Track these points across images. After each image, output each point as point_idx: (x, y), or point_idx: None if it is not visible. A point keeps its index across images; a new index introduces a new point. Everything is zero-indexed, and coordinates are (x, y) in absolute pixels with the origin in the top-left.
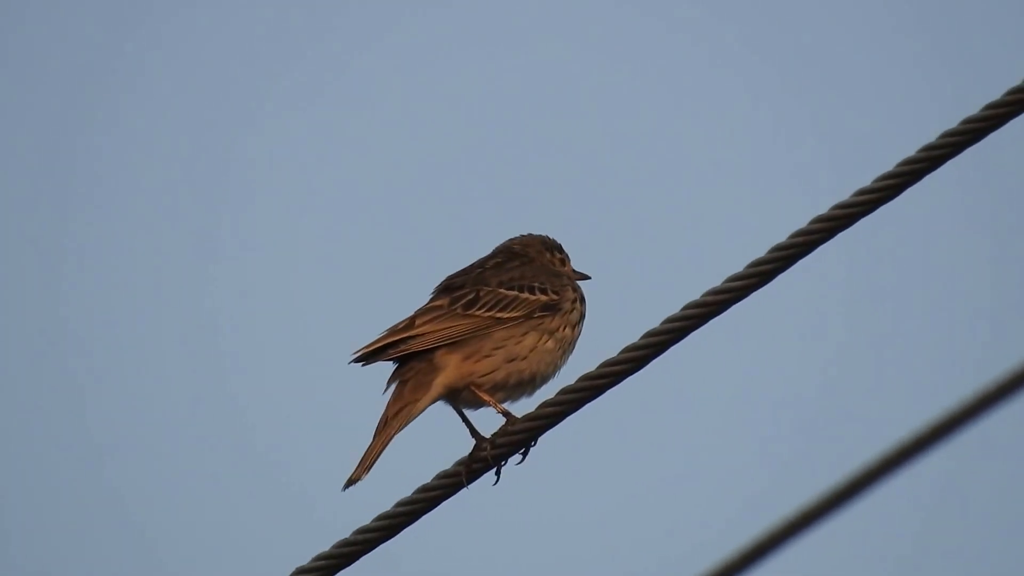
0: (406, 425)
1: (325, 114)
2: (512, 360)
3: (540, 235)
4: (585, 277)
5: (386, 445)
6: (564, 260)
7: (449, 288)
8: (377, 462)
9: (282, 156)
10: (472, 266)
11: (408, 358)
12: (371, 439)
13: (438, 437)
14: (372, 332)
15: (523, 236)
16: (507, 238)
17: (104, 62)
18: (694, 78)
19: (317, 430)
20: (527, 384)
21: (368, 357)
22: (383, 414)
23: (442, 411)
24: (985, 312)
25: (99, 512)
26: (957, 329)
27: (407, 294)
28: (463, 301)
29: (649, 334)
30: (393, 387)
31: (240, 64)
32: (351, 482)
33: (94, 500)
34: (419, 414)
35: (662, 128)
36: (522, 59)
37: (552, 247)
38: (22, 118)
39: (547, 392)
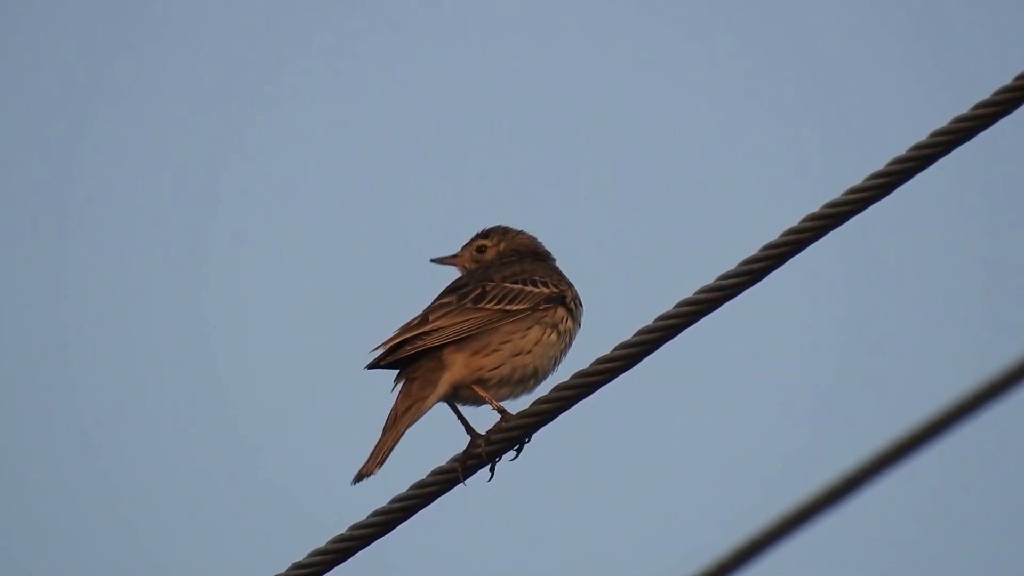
0: (415, 421)
1: (320, 112)
2: (518, 354)
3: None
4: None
5: (397, 440)
6: (483, 247)
7: (454, 287)
8: (389, 458)
9: (278, 156)
10: None
11: (414, 358)
12: (380, 435)
13: (431, 434)
14: (373, 332)
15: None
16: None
17: (97, 61)
18: (685, 76)
19: (314, 427)
20: (530, 379)
21: (375, 363)
22: (392, 410)
23: (436, 408)
24: (977, 309)
25: (105, 508)
26: (949, 326)
27: (403, 291)
28: (471, 296)
29: (642, 331)
30: (401, 385)
31: (233, 63)
32: (362, 475)
33: (98, 497)
34: (428, 410)
35: (653, 125)
36: (518, 54)
37: (477, 235)
38: (17, 117)
39: (542, 389)
